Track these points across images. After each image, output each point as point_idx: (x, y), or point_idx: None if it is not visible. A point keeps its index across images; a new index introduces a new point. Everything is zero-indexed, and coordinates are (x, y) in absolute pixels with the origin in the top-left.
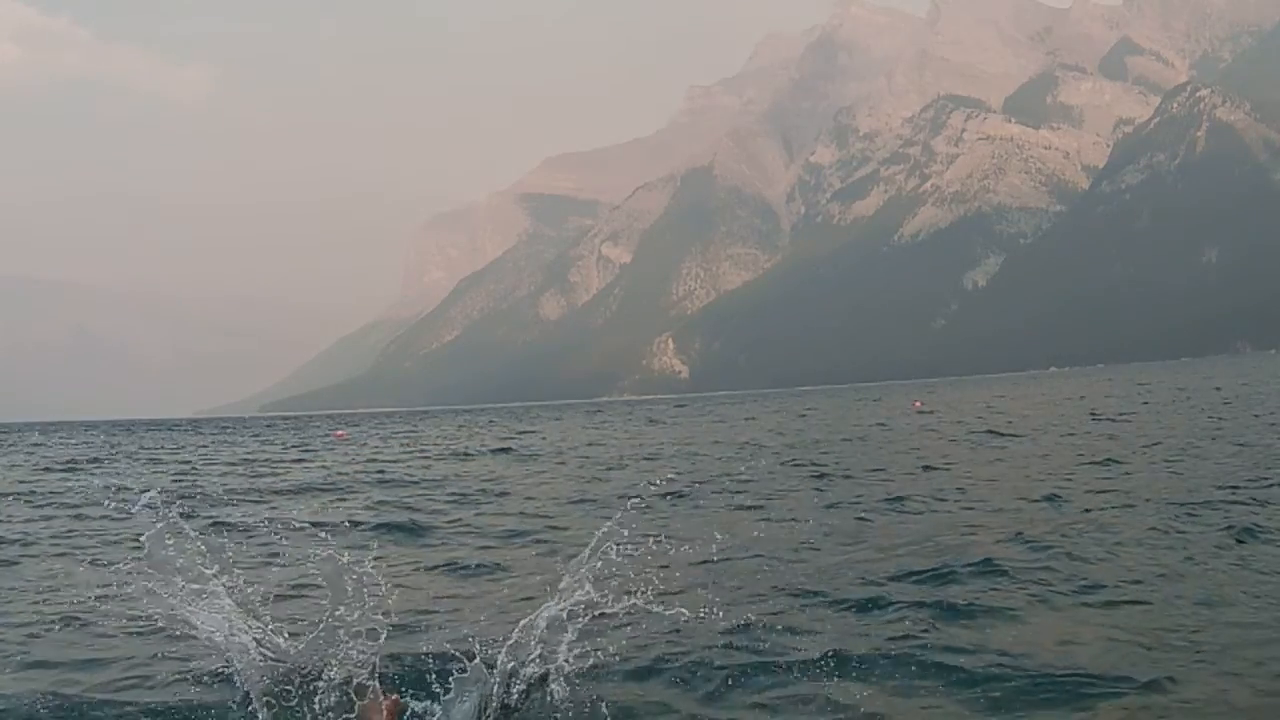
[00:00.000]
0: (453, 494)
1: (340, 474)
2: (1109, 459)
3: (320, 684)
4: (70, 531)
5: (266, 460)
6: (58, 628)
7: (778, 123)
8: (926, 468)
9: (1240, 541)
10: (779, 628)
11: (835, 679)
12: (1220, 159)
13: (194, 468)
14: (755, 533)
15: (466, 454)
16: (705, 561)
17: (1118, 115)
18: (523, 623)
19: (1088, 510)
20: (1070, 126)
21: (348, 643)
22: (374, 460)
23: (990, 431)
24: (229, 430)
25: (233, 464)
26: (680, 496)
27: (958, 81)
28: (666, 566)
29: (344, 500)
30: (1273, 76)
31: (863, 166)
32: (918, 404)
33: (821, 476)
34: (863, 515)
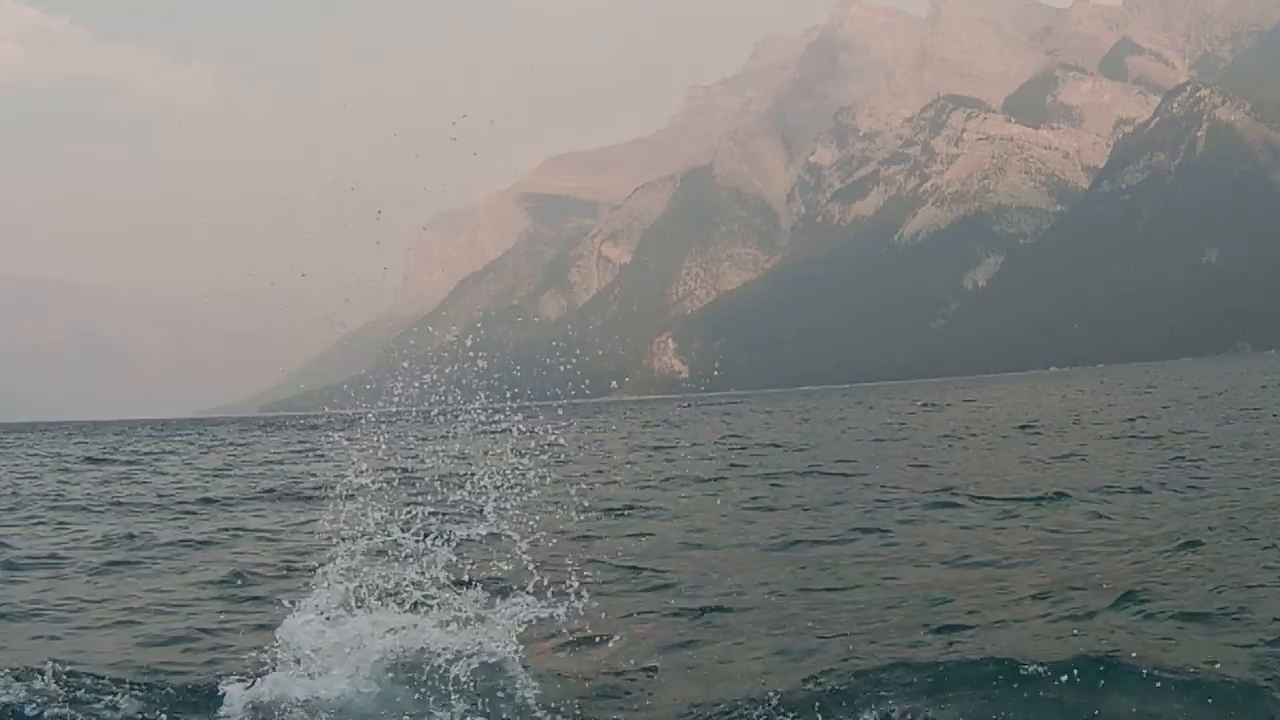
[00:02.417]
0: None
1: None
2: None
3: None
4: None
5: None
6: None
7: (778, 123)
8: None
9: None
10: None
11: None
12: (1220, 159)
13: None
14: None
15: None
16: None
17: (1118, 115)
18: None
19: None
20: (1070, 126)
21: None
22: None
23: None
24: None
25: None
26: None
27: (958, 81)
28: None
29: None
30: (1273, 76)
31: (863, 166)
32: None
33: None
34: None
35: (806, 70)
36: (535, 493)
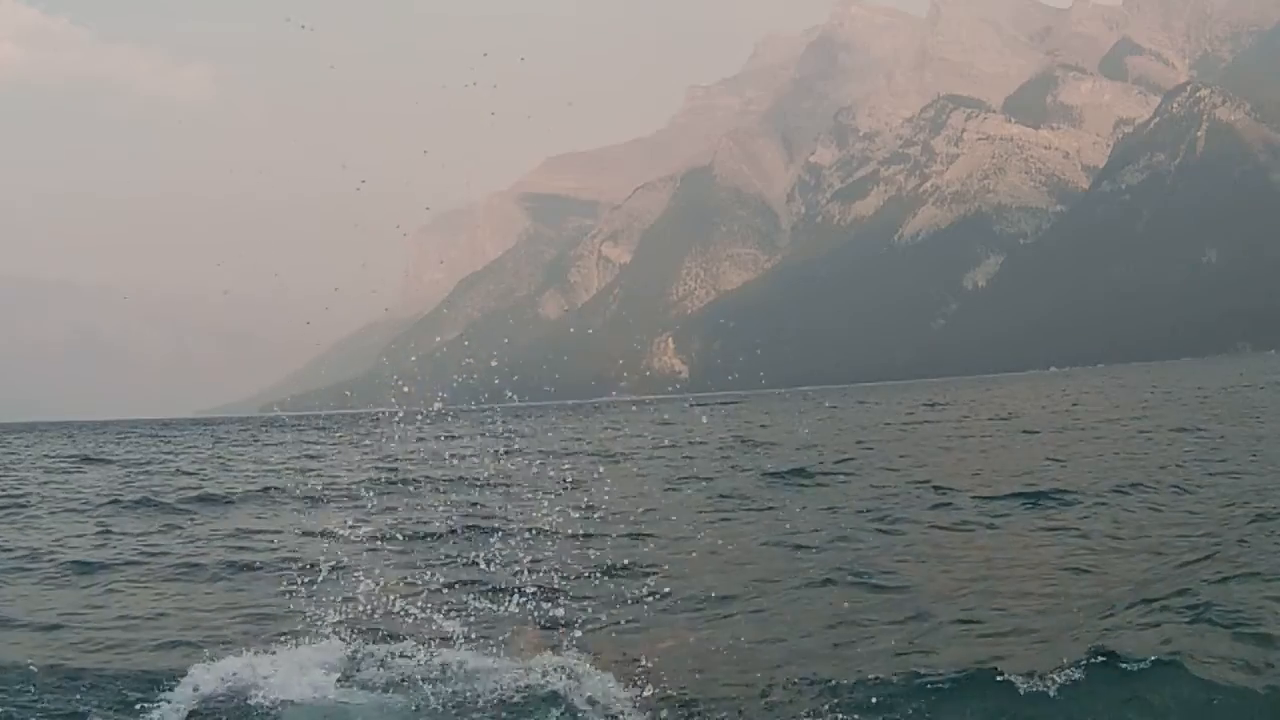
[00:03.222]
0: None
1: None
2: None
3: None
4: None
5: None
6: None
7: (778, 123)
8: None
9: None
10: None
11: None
12: (1220, 159)
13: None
14: None
15: None
16: None
17: (1118, 115)
18: None
19: None
20: (1070, 126)
21: None
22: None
23: None
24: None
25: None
26: None
27: (958, 81)
28: None
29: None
30: (1273, 76)
31: (863, 166)
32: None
33: None
34: None
35: (806, 70)
36: (540, 500)
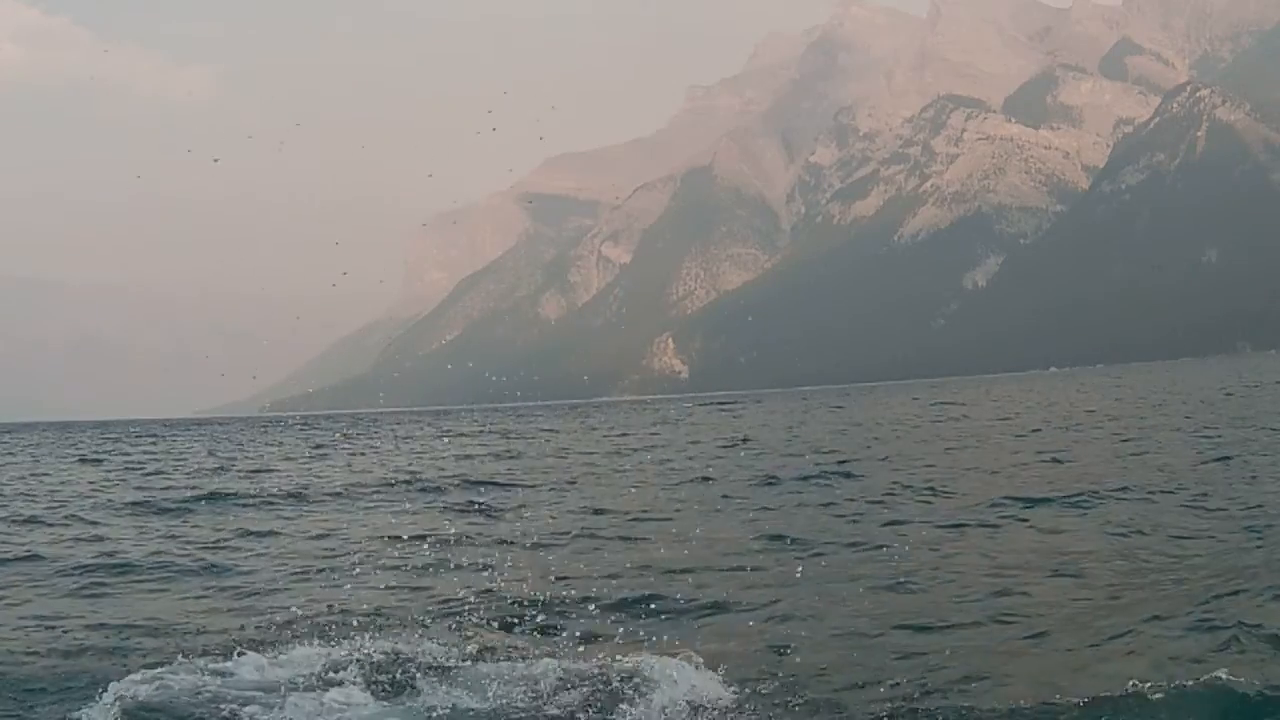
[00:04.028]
0: None
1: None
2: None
3: None
4: None
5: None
6: None
7: (778, 123)
8: None
9: None
10: None
11: None
12: (1220, 159)
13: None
14: None
15: None
16: None
17: (1118, 115)
18: None
19: None
20: (1070, 126)
21: None
22: None
23: None
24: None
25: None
26: None
27: (958, 81)
28: None
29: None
30: (1273, 76)
31: (863, 166)
32: None
33: None
34: None
35: (806, 70)
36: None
